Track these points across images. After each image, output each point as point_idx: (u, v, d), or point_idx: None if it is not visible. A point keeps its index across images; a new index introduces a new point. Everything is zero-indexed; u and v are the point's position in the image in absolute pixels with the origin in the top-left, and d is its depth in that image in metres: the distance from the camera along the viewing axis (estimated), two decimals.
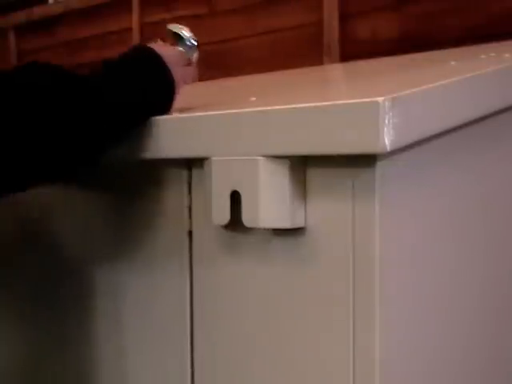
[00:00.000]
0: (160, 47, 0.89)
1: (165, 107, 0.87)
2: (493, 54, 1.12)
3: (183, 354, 0.88)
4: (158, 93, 0.86)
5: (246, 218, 0.76)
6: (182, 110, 0.89)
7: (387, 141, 0.66)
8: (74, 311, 1.05)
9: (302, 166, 0.75)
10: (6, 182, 0.74)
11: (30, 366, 1.14)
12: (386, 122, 0.66)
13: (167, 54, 0.87)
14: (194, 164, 0.86)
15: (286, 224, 0.75)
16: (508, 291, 0.95)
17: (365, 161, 0.70)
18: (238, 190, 0.76)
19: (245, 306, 0.81)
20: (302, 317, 0.76)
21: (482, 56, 1.11)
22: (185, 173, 0.87)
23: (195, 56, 0.96)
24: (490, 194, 0.91)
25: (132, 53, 0.87)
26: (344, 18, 1.96)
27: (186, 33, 0.96)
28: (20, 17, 3.12)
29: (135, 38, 2.64)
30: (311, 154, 0.73)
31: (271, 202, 0.74)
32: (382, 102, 0.66)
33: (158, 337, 0.92)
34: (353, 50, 1.94)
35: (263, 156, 0.74)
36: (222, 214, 0.78)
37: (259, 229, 0.76)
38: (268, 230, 0.76)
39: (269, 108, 0.74)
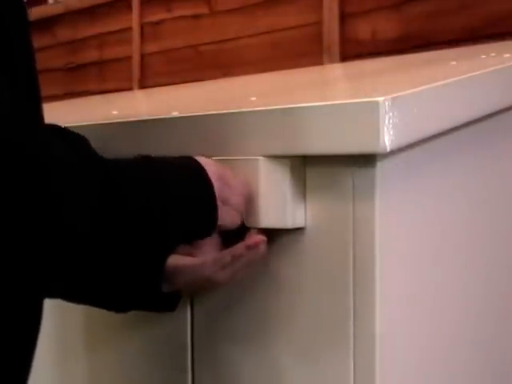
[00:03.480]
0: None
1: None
2: (493, 54, 1.12)
3: (183, 351, 0.88)
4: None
5: (246, 218, 0.76)
6: (182, 110, 0.89)
7: (387, 141, 0.66)
8: None
9: (301, 165, 0.75)
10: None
11: None
12: (386, 122, 0.66)
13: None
14: None
15: (286, 224, 0.75)
16: (509, 291, 0.95)
17: (365, 161, 0.70)
18: None
19: (245, 306, 0.81)
20: (302, 316, 0.76)
21: (482, 56, 1.11)
22: None
23: None
24: (490, 194, 0.91)
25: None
26: (344, 17, 1.96)
27: None
28: None
29: (135, 38, 2.65)
30: (311, 153, 0.73)
31: (271, 202, 0.74)
32: (382, 101, 0.66)
33: (157, 335, 0.92)
34: (353, 50, 1.94)
35: (263, 156, 0.74)
36: None
37: (259, 229, 0.76)
38: (268, 229, 0.76)
39: (269, 108, 0.74)
